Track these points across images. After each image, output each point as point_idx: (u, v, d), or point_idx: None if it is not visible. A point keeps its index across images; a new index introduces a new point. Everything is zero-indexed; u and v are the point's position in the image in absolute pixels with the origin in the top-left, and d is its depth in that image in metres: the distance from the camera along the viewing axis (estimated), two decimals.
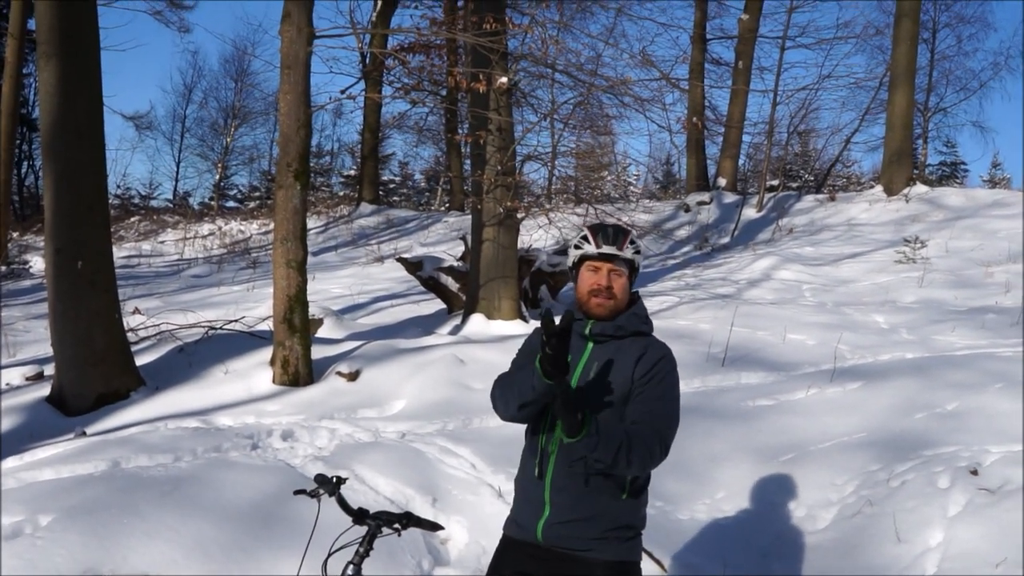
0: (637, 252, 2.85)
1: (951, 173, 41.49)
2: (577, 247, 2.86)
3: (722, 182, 23.59)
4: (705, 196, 22.51)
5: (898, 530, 4.78)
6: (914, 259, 14.17)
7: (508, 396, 2.76)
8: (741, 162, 26.63)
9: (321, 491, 3.12)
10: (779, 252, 16.39)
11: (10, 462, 6.04)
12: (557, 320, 2.45)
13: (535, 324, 10.53)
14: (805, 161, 34.55)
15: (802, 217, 20.25)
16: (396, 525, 3.01)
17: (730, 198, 22.35)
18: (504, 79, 10.52)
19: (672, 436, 2.69)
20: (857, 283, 13.36)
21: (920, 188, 19.95)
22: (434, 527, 3.10)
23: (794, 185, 30.14)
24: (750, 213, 21.00)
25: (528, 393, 2.62)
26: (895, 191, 19.97)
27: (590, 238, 2.82)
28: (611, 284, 2.80)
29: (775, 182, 24.69)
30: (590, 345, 2.82)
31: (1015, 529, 4.49)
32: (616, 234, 2.82)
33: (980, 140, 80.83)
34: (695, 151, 24.30)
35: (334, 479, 3.14)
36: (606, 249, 2.78)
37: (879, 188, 20.73)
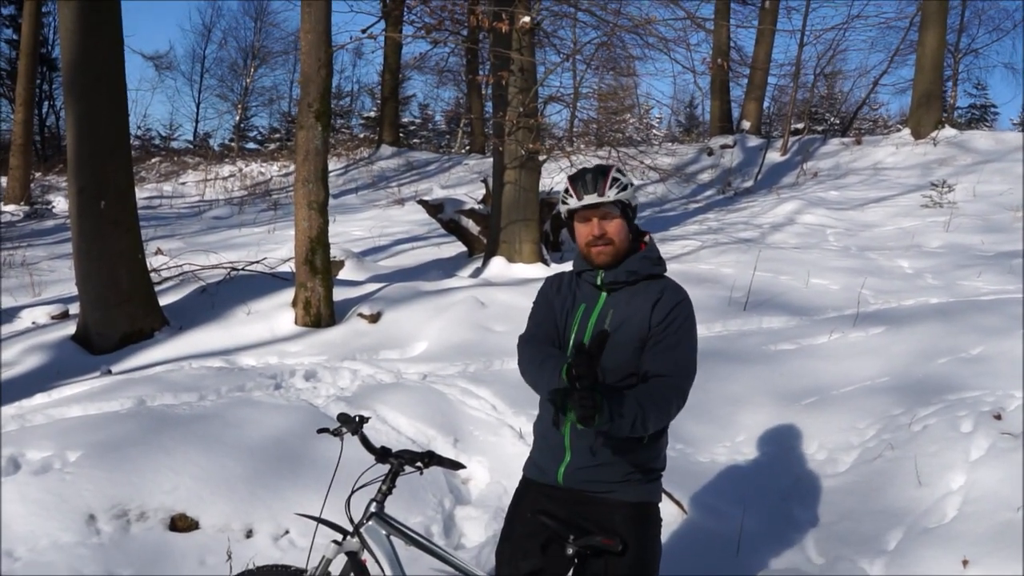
0: (623, 189, 2.72)
1: (980, 116, 40.66)
2: (563, 202, 2.79)
3: (746, 125, 23.23)
4: (729, 139, 22.22)
5: (919, 473, 4.78)
6: (941, 203, 13.97)
7: (536, 382, 2.71)
8: (766, 105, 26.20)
9: (344, 430, 3.14)
10: (803, 196, 16.19)
11: (38, 399, 6.16)
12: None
13: (556, 267, 10.49)
14: (831, 104, 33.92)
15: (827, 161, 19.96)
16: (418, 464, 3.03)
17: (754, 141, 22.05)
18: (526, 18, 10.34)
19: (689, 385, 2.67)
20: (882, 227, 13.20)
21: (948, 131, 19.57)
22: (456, 466, 3.12)
23: (819, 128, 29.65)
24: (774, 156, 20.73)
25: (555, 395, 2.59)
26: (923, 134, 19.61)
27: (571, 191, 2.74)
28: (604, 231, 2.72)
29: (800, 125, 24.29)
30: (603, 295, 2.78)
31: None
32: (595, 179, 2.71)
33: (1011, 82, 78.40)
34: (719, 93, 23.88)
35: (357, 418, 3.16)
36: (587, 199, 2.69)
37: (906, 131, 20.35)
